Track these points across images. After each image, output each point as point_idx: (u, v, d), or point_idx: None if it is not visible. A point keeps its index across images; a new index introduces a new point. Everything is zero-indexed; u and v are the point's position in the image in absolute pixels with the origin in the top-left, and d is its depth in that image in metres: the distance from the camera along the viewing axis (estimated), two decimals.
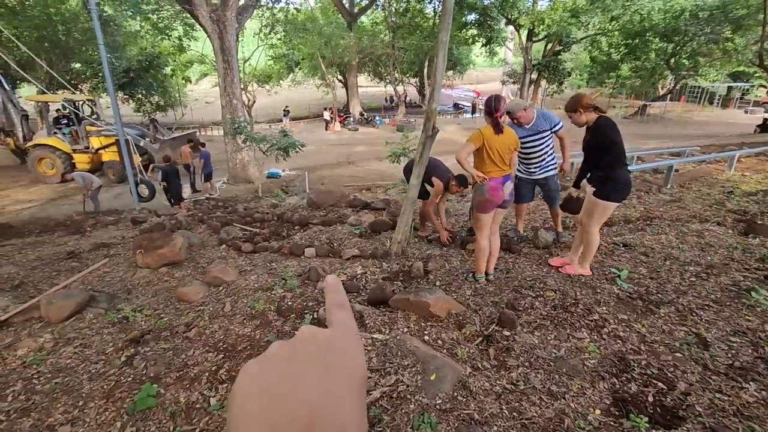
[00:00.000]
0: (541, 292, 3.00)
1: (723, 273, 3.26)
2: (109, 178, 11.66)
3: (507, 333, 2.52)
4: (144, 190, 9.42)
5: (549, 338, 2.45)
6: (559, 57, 27.06)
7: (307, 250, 4.35)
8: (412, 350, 2.29)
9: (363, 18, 26.58)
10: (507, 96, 31.66)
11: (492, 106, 2.95)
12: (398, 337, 2.46)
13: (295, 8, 22.47)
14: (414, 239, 4.54)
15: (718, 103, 31.93)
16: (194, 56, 25.95)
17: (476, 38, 25.60)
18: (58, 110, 13.12)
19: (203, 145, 10.22)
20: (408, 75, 26.66)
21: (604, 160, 2.96)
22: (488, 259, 3.29)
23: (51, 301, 3.26)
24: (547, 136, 3.80)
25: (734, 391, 1.90)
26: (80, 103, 13.02)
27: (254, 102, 24.57)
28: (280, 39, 23.65)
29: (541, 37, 25.45)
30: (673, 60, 26.61)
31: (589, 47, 29.75)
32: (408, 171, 4.25)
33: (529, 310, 2.77)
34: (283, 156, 8.74)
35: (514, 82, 30.06)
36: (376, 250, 4.24)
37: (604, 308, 2.73)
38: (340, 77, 30.05)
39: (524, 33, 25.17)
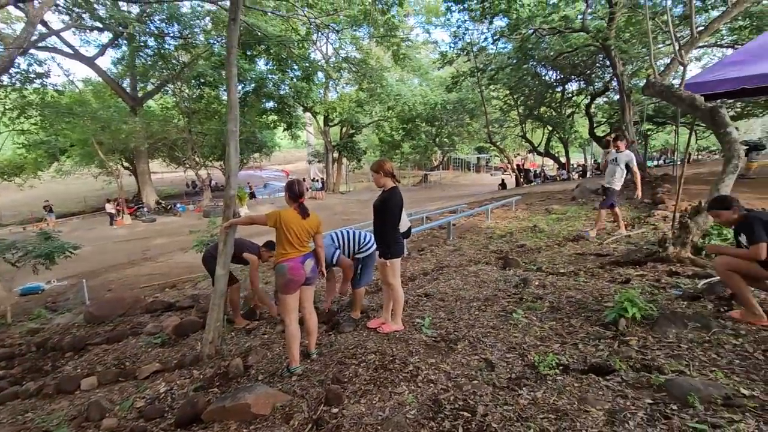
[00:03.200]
0: (364, 357, 3.09)
1: (495, 303, 4.06)
2: None
3: (335, 410, 2.46)
4: None
5: (374, 402, 2.50)
6: (354, 138, 31.15)
7: (85, 382, 3.40)
8: None
9: (150, 102, 24.86)
10: (315, 174, 34.05)
11: (296, 191, 3.10)
12: None
13: (56, 90, 19.29)
14: (230, 333, 4.12)
15: (473, 169, 42.20)
16: None
17: (277, 123, 27.16)
18: None
19: None
20: (210, 158, 25.75)
21: (385, 222, 3.37)
22: (308, 339, 3.25)
23: None
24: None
25: (514, 400, 2.32)
26: None
27: None
28: (35, 124, 19.64)
29: (335, 122, 28.96)
30: (437, 139, 34.13)
31: (376, 130, 35.43)
32: (208, 260, 3.95)
33: (354, 379, 2.80)
34: (45, 265, 6.89)
35: (319, 161, 32.76)
36: (183, 357, 3.65)
37: (417, 357, 2.99)
38: (126, 164, 26.64)
39: (321, 119, 28.21)
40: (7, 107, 17.83)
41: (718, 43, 18.02)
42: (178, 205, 23.72)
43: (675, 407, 2.06)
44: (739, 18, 14.86)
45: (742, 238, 3.04)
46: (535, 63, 21.73)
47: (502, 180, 26.17)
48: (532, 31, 16.59)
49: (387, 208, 3.33)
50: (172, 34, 20.03)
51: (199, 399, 2.76)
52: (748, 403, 2.02)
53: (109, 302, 5.70)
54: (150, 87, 23.59)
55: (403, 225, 3.67)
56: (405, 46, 23.52)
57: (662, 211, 7.80)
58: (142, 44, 20.37)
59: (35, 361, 4.29)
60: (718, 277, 3.69)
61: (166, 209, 22.65)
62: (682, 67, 6.39)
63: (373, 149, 40.09)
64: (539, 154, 30.00)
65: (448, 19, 21.36)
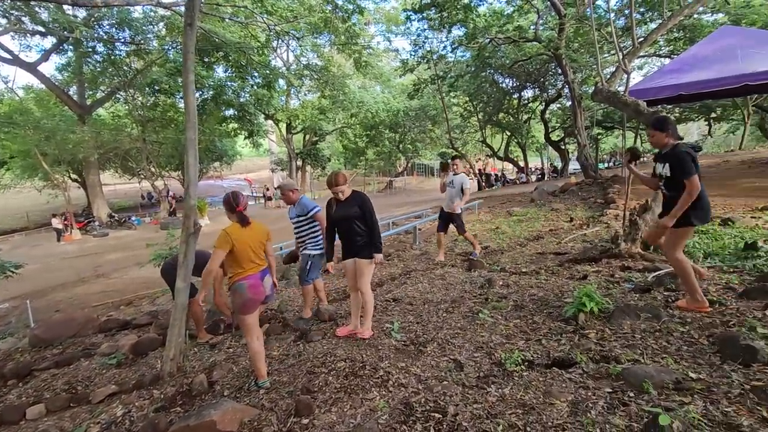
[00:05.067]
0: (334, 365, 3.05)
1: (462, 304, 4.14)
2: None
3: (306, 421, 2.41)
4: None
5: (346, 409, 2.47)
6: (318, 146, 30.93)
7: (31, 410, 3.14)
8: None
9: (101, 110, 23.57)
10: (279, 182, 33.46)
11: (232, 203, 3.02)
12: None
13: None
14: (192, 349, 3.95)
15: (437, 175, 42.94)
16: None
17: (238, 131, 26.51)
18: None
19: None
20: (168, 168, 24.71)
21: (374, 222, 3.51)
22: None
23: None
24: (305, 220, 4.14)
25: (483, 398, 2.36)
26: None
27: None
28: None
29: (298, 129, 28.65)
30: (401, 145, 34.52)
31: (340, 137, 35.36)
32: (168, 273, 3.78)
33: (324, 388, 2.75)
34: None
35: (282, 169, 32.23)
36: (142, 377, 3.45)
37: (387, 362, 2.99)
38: (75, 176, 25.07)
39: (283, 126, 27.81)
40: None
41: (657, 53, 19.51)
42: (133, 218, 22.53)
43: (632, 394, 2.18)
44: (675, 30, 16.16)
45: (664, 169, 3.04)
46: (492, 71, 22.58)
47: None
48: (488, 40, 17.23)
49: (369, 208, 3.47)
50: (123, 40, 19.12)
51: (160, 420, 2.62)
52: (696, 386, 2.16)
53: (58, 323, 5.30)
54: (100, 94, 22.34)
55: None
56: (366, 54, 23.71)
57: (614, 210, 8.26)
58: (90, 50, 19.31)
59: None
60: (666, 270, 3.96)
61: (119, 222, 21.43)
62: (625, 75, 6.84)
63: (337, 156, 39.98)
64: (499, 158, 31.08)
65: (408, 28, 21.82)
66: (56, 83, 21.07)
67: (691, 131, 36.80)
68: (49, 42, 20.13)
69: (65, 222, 19.59)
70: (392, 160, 37.79)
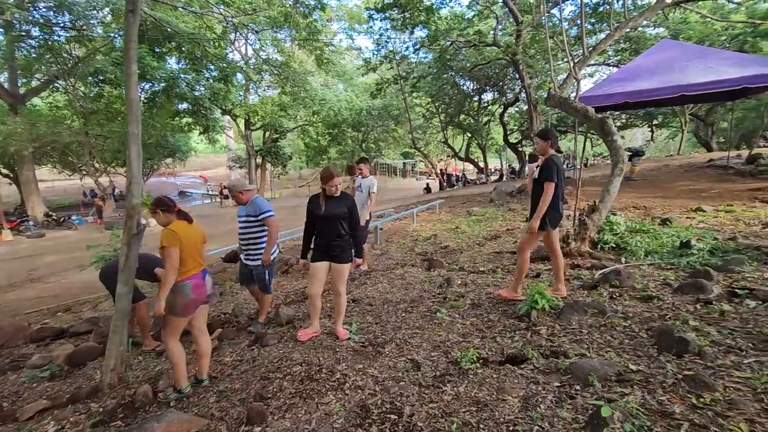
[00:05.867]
0: (289, 370, 2.97)
1: (420, 303, 4.16)
2: None
3: (258, 429, 2.32)
4: None
5: (300, 415, 2.40)
6: (279, 143, 30.16)
7: None
8: None
9: (37, 100, 21.69)
10: (229, 181, 32.32)
11: (169, 203, 2.92)
12: None
13: None
14: (136, 358, 3.70)
15: (399, 174, 43.08)
16: None
17: (192, 126, 25.34)
18: None
19: None
20: (113, 164, 23.17)
21: (357, 223, 3.54)
22: (200, 362, 3.05)
23: None
24: (254, 222, 3.93)
25: (439, 397, 2.38)
26: None
27: None
28: None
29: (258, 126, 27.78)
30: (364, 144, 34.40)
31: (302, 135, 34.70)
32: (107, 277, 3.53)
33: (279, 394, 2.67)
34: None
35: (240, 167, 31.16)
36: (79, 390, 3.19)
37: (344, 364, 2.94)
38: (6, 171, 22.95)
39: (242, 122, 26.87)
40: None
41: (606, 62, 20.73)
42: (74, 217, 20.92)
43: (578, 387, 2.27)
44: (621, 41, 17.21)
45: (536, 173, 3.63)
46: (453, 73, 23.03)
47: (427, 184, 27.21)
48: (449, 42, 17.55)
49: (355, 210, 3.48)
50: (62, 25, 17.65)
51: None
52: (635, 377, 2.29)
53: None
54: (35, 83, 20.51)
55: None
56: (328, 51, 23.42)
57: (566, 210, 8.65)
58: (24, 34, 17.68)
59: None
60: (611, 267, 4.19)
61: (58, 222, 19.76)
62: (576, 82, 7.18)
63: (299, 154, 39.24)
64: (460, 159, 31.81)
65: (371, 27, 21.81)
66: None
67: (636, 136, 39.44)
68: None
69: None
70: (355, 158, 37.66)
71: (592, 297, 3.64)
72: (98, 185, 21.34)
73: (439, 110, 26.84)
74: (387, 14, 16.74)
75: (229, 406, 2.64)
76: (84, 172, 22.69)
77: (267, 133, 29.55)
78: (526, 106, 18.80)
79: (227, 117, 27.23)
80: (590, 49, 8.97)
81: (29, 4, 16.56)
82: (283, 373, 2.94)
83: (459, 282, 4.65)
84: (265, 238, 3.96)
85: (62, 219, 19.97)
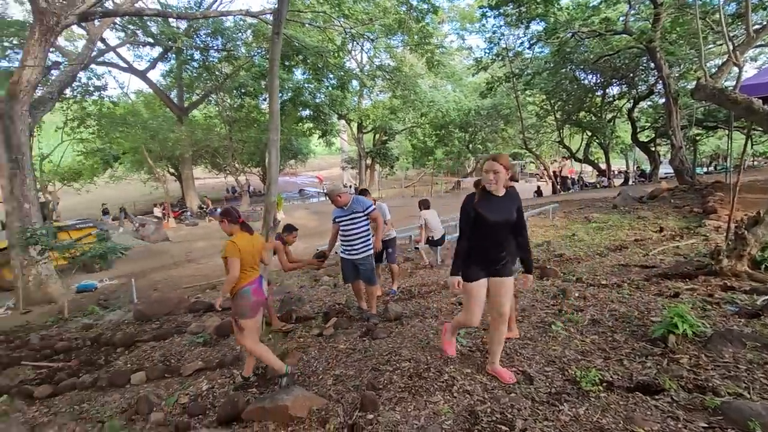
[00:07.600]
0: (398, 364, 3.09)
1: (532, 313, 3.95)
2: None
3: (371, 416, 2.48)
4: None
5: (409, 410, 2.50)
6: (387, 145, 31.35)
7: (134, 376, 3.60)
8: None
9: (195, 112, 26.19)
10: (348, 180, 34.51)
11: (235, 215, 3.21)
12: None
13: (111, 101, 20.71)
14: (268, 336, 4.24)
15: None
16: None
17: (312, 131, 27.81)
18: None
19: None
20: (249, 165, 26.69)
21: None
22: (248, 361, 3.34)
23: None
24: (360, 218, 4.15)
25: (555, 416, 2.24)
26: None
27: (57, 203, 20.80)
28: (92, 133, 21.17)
29: (369, 129, 29.29)
30: (470, 145, 33.69)
31: (409, 136, 35.46)
32: None
33: (389, 386, 2.80)
34: (99, 264, 7.37)
35: (352, 167, 33.21)
36: (224, 357, 3.79)
37: (452, 367, 2.96)
38: (172, 170, 28.13)
39: (354, 126, 28.64)
40: (68, 118, 19.33)
41: None
42: (218, 210, 24.74)
43: None
44: None
45: None
46: (573, 67, 21.11)
47: (538, 187, 25.44)
48: (570, 34, 16.14)
49: (522, 211, 2.79)
50: (216, 47, 21.06)
51: (239, 398, 2.86)
52: None
53: (156, 302, 6.03)
54: (195, 97, 24.87)
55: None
56: (439, 53, 23.49)
57: (714, 221, 7.33)
58: (189, 57, 21.53)
59: (90, 355, 4.59)
60: None
61: (207, 214, 23.68)
62: (737, 69, 6.01)
63: (405, 156, 40.15)
64: (577, 160, 28.93)
65: (483, 25, 21.26)
66: (161, 88, 23.92)
67: None
68: (156, 51, 22.85)
69: (164, 211, 22.20)
70: (461, 160, 37.03)
71: (752, 327, 3.03)
72: (237, 183, 24.88)
73: (555, 107, 24.83)
74: (501, 10, 16.12)
75: (344, 390, 2.87)
76: (227, 171, 26.63)
77: (377, 136, 30.96)
78: (663, 100, 16.31)
79: (342, 121, 29.25)
80: (756, 27, 7.37)
81: (193, 32, 20.07)
82: (392, 366, 3.08)
83: (576, 294, 4.29)
84: (368, 231, 4.21)
85: (210, 211, 23.75)
